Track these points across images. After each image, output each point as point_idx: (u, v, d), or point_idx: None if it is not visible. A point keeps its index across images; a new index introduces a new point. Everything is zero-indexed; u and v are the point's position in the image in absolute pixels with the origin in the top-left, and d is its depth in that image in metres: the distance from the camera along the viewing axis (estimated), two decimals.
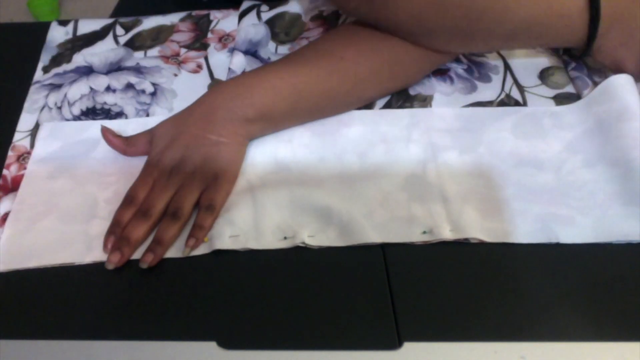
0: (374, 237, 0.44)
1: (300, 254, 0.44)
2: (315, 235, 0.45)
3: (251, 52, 0.60)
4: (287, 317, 0.40)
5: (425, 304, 0.40)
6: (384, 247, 0.44)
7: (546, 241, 0.44)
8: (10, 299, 0.42)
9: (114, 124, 0.54)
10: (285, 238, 0.45)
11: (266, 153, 0.51)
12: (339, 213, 0.46)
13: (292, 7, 0.63)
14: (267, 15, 0.63)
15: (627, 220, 0.44)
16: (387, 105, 0.55)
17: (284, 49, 0.61)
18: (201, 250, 0.45)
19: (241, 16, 0.62)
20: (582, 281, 0.41)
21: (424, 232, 0.45)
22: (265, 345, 0.39)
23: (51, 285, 0.42)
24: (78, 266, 0.44)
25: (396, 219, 0.46)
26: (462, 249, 0.44)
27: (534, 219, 0.45)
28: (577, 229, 0.44)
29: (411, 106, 0.54)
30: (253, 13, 0.63)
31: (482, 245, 0.44)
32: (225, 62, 0.60)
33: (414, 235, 0.45)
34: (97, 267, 0.43)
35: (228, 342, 0.39)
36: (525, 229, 0.45)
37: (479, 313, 0.40)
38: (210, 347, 0.39)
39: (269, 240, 0.45)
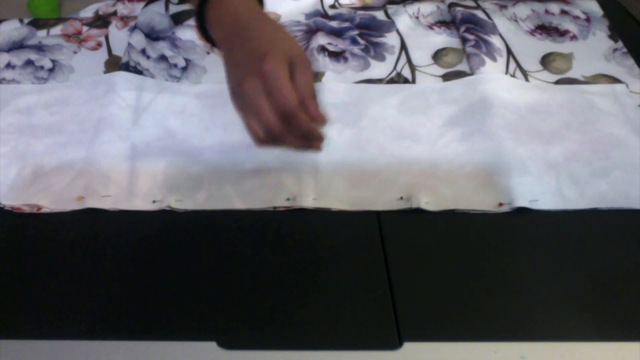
0: (239, 204, 0.47)
1: (300, 254, 0.44)
2: (183, 200, 0.47)
3: (152, 37, 0.61)
4: (287, 317, 0.40)
5: (425, 304, 0.40)
6: (385, 247, 0.44)
7: (407, 207, 0.46)
8: (10, 299, 0.42)
9: (9, 89, 0.56)
10: (154, 202, 0.47)
11: (157, 121, 0.53)
12: (209, 181, 0.48)
13: None
14: (175, 8, 0.64)
15: (486, 191, 0.46)
16: None
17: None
18: (74, 206, 0.47)
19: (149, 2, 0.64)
20: (582, 281, 0.41)
21: (288, 199, 0.46)
22: (265, 345, 0.39)
23: (51, 285, 0.42)
24: (78, 266, 0.44)
25: (264, 186, 0.48)
26: (463, 249, 0.44)
27: (400, 188, 0.47)
28: (438, 198, 0.46)
29: None
30: (162, 2, 0.65)
31: (482, 246, 0.44)
32: (125, 40, 0.61)
33: (278, 201, 0.46)
34: (98, 266, 0.44)
35: (228, 342, 0.39)
36: (388, 198, 0.46)
37: (479, 313, 0.40)
38: (210, 347, 0.39)
39: (139, 203, 0.47)
